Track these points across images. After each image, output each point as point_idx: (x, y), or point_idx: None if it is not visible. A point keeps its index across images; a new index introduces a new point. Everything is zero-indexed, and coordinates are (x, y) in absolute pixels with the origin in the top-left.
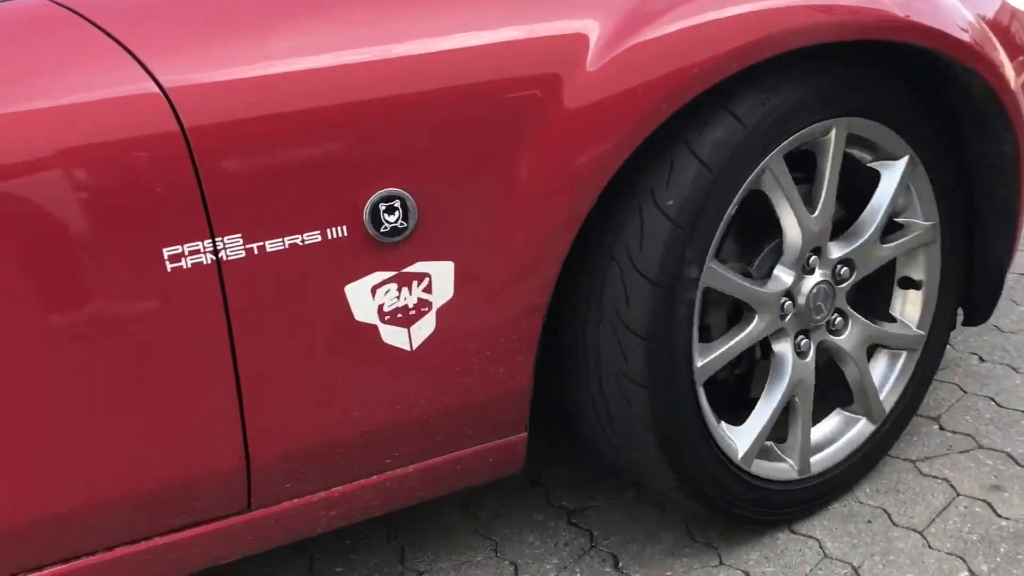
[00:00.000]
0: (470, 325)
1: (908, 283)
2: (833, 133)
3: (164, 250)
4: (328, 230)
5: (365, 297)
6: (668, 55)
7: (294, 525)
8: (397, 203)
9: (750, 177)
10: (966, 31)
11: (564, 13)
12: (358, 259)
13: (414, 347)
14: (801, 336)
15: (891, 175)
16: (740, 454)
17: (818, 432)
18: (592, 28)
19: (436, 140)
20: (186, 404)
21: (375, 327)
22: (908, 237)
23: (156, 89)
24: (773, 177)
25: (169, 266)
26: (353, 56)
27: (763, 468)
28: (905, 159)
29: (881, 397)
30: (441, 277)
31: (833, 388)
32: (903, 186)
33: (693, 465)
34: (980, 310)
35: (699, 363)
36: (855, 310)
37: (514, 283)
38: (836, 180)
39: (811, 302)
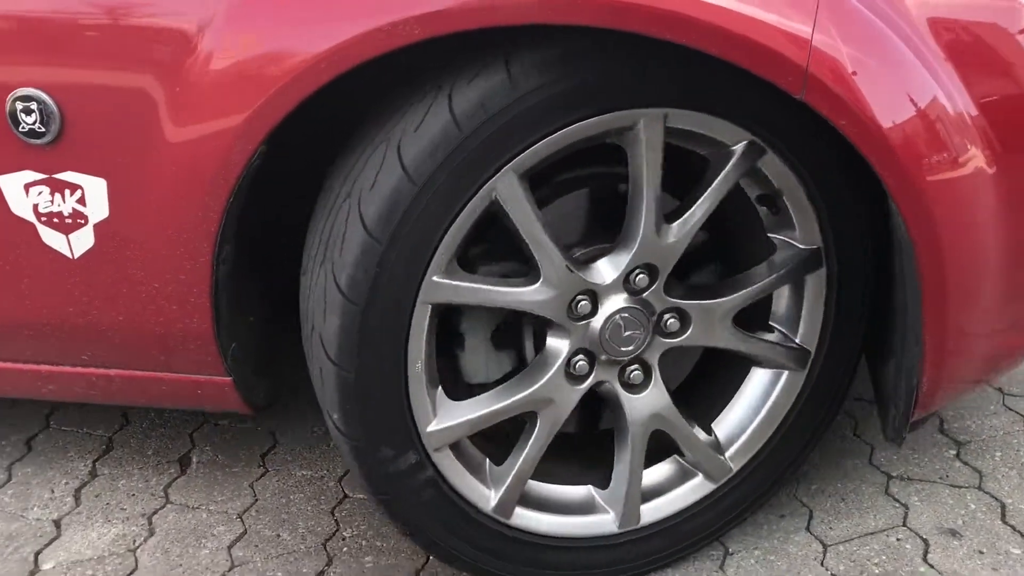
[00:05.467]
0: (130, 251)
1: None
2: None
3: None
4: None
5: (19, 192)
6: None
7: (17, 384)
8: (34, 105)
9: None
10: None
11: None
12: (5, 153)
13: (75, 256)
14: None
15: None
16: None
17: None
18: None
19: (90, 53)
20: None
21: (32, 224)
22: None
23: None
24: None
25: None
26: None
27: None
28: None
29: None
30: (94, 192)
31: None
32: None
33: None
34: (893, 426)
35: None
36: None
37: (173, 221)
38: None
39: (606, 341)
